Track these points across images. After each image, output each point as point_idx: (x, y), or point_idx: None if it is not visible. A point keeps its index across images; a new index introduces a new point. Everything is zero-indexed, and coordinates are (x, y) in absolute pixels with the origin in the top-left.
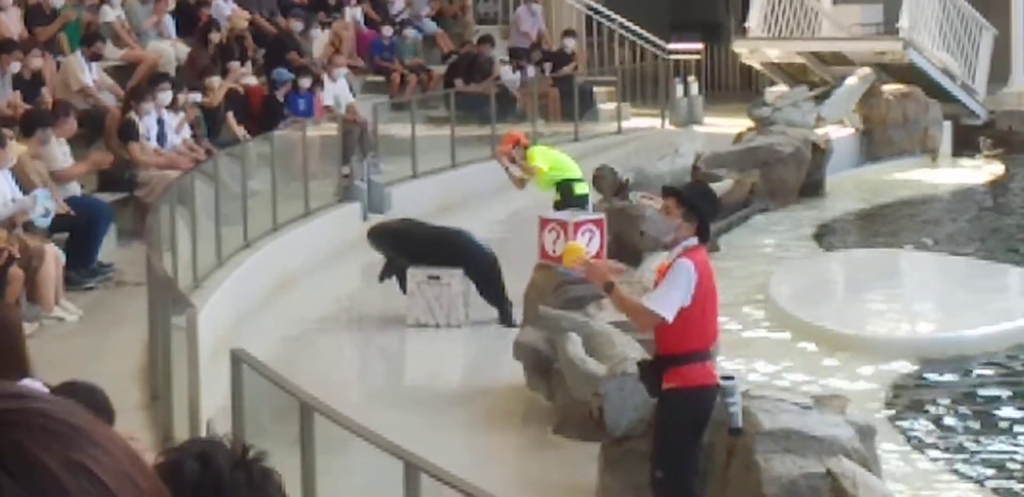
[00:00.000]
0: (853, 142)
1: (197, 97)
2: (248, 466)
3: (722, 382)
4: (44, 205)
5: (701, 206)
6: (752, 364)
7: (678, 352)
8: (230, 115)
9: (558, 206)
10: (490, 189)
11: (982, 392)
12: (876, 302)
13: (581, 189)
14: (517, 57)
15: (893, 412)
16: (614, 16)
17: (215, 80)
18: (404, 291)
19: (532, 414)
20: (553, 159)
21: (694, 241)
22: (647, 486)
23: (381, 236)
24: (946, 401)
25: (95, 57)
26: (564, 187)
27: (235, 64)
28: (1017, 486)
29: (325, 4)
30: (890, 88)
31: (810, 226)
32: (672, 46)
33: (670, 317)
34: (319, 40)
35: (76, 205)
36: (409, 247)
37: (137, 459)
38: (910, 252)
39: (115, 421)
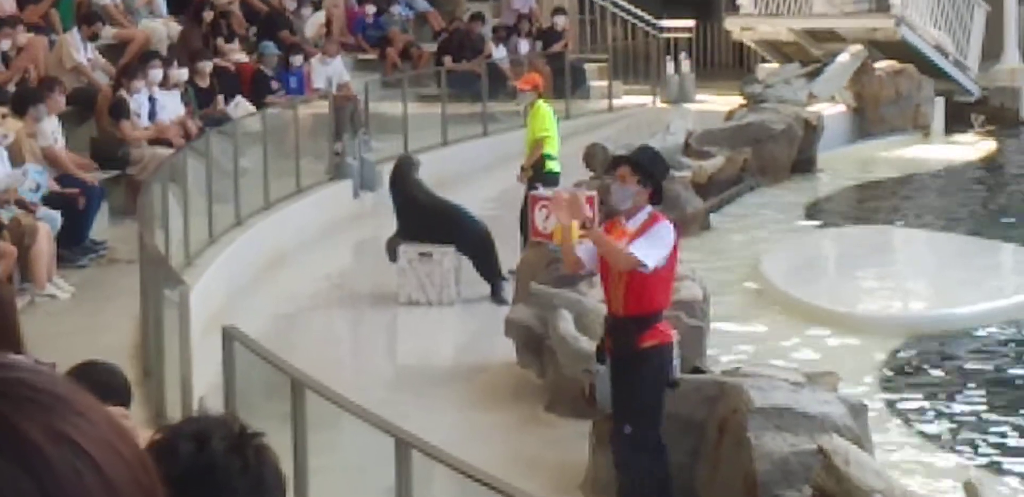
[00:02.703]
0: (845, 119)
1: (184, 74)
2: (243, 449)
3: None
4: (36, 179)
5: (655, 171)
6: (744, 341)
7: (651, 311)
8: (220, 98)
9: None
10: (482, 166)
11: (974, 369)
12: (868, 279)
13: (552, 166)
14: (503, 33)
15: (885, 389)
16: None
17: (207, 65)
18: (392, 259)
19: (523, 391)
20: (551, 128)
21: (653, 207)
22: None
23: (401, 189)
24: (938, 378)
25: (93, 37)
26: (537, 161)
27: (230, 46)
28: (1008, 460)
29: None
30: (882, 65)
31: (802, 203)
32: (664, 23)
33: (651, 267)
34: (312, 19)
35: (68, 183)
36: (410, 215)
37: (120, 428)
38: (902, 229)
39: (131, 402)
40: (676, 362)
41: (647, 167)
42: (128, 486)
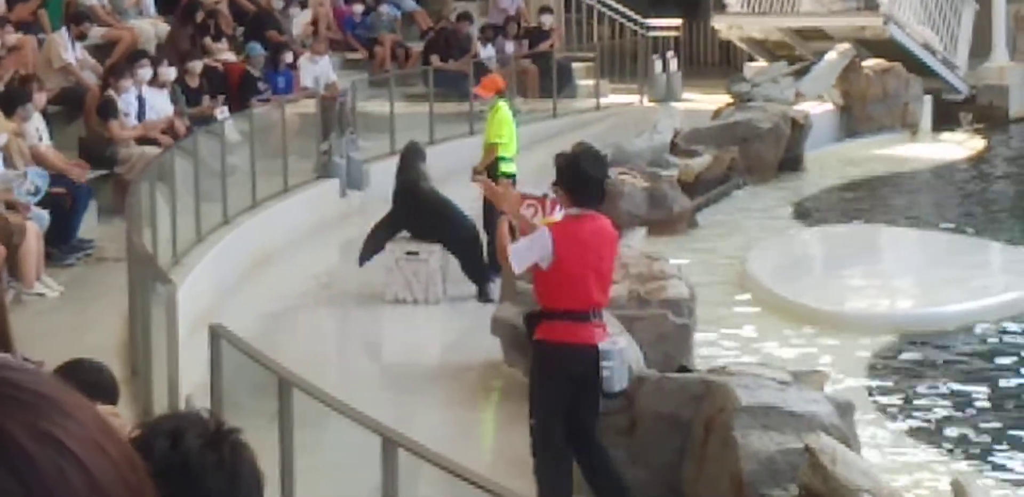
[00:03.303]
0: (832, 118)
1: (172, 72)
2: (219, 445)
3: (600, 345)
4: (36, 183)
5: (563, 175)
6: (730, 340)
7: (549, 309)
8: (206, 98)
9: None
10: (468, 165)
11: (961, 367)
12: (855, 278)
13: (505, 168)
14: (490, 32)
15: (872, 388)
16: None
17: (197, 65)
18: (361, 261)
19: (510, 390)
20: (509, 133)
21: (575, 210)
22: (625, 460)
23: (404, 173)
24: (925, 376)
25: (81, 36)
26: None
27: (219, 46)
28: (995, 458)
29: None
30: (870, 63)
31: (789, 202)
32: (651, 22)
33: (518, 270)
34: (299, 18)
35: (56, 182)
36: (406, 200)
37: (108, 428)
38: (889, 227)
39: (119, 400)
40: (607, 373)
41: (558, 170)
42: (114, 485)
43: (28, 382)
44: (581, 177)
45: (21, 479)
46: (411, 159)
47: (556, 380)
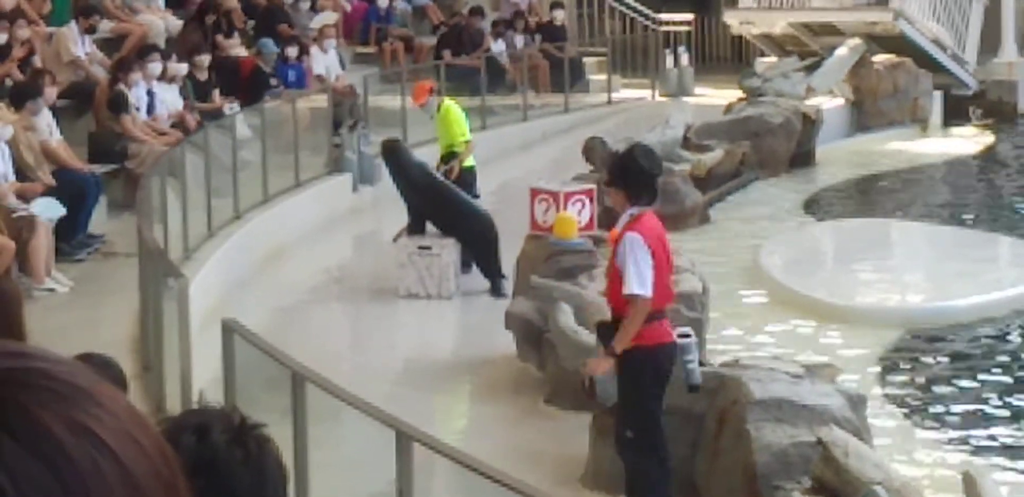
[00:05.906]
0: (843, 112)
1: (184, 68)
2: (244, 440)
3: (679, 340)
4: (47, 216)
5: (621, 174)
6: (743, 334)
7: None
8: (216, 92)
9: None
10: (479, 160)
11: (971, 361)
12: (866, 272)
13: (470, 161)
14: (501, 27)
15: (883, 381)
16: None
17: (205, 59)
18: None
19: (523, 384)
20: (463, 128)
21: (635, 209)
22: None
23: (399, 170)
24: (936, 370)
25: (90, 30)
26: (451, 158)
27: (230, 41)
28: (1006, 452)
29: None
30: (881, 59)
31: (800, 196)
32: (662, 17)
33: (649, 292)
34: (320, 17)
35: (65, 177)
36: (416, 194)
37: (141, 419)
38: (900, 222)
39: (127, 395)
40: (692, 366)
41: (614, 169)
42: (148, 477)
43: (62, 373)
44: (635, 176)
45: (56, 471)
46: (395, 153)
47: (661, 384)
